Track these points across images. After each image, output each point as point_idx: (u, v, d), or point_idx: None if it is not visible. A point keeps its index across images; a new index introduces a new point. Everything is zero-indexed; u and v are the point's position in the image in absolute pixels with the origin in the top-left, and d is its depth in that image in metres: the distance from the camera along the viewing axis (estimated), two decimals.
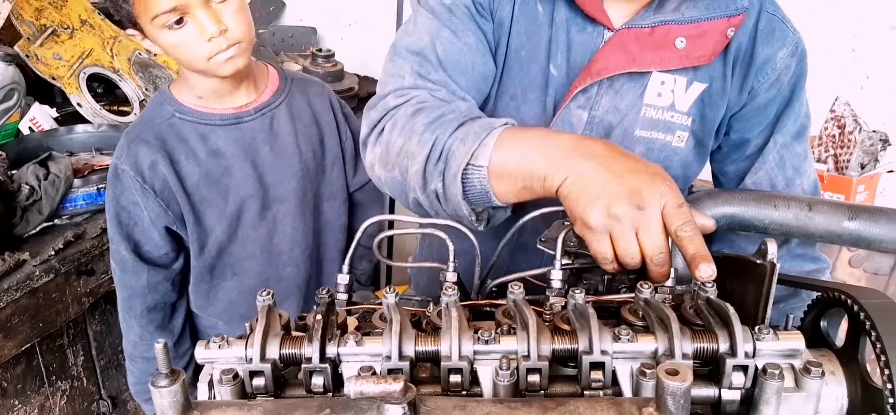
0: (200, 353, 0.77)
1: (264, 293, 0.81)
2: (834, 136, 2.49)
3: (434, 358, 0.76)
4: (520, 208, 1.06)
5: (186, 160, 1.48)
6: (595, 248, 0.87)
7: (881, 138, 2.46)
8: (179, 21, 1.31)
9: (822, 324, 0.86)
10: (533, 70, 1.22)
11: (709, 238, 1.19)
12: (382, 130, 1.09)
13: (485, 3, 1.18)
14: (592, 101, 1.20)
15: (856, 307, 0.76)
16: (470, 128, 0.99)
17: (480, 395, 0.76)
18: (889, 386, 0.70)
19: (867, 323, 0.74)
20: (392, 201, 1.51)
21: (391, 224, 1.12)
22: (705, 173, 1.38)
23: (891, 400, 0.70)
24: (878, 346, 0.72)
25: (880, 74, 2.81)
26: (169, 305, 1.60)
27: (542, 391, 0.74)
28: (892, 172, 2.59)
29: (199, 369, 0.81)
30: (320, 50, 2.74)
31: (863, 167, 2.44)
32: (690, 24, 1.13)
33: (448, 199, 0.99)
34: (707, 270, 0.81)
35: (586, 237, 0.88)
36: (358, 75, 2.80)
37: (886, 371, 0.71)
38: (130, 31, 1.38)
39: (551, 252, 0.96)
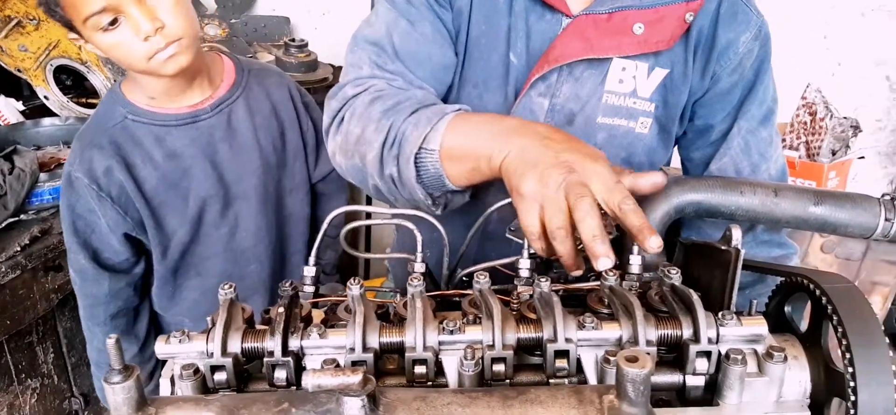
0: (161, 348, 0.76)
1: (227, 286, 0.79)
2: (805, 123, 2.52)
3: (399, 349, 0.76)
4: (483, 195, 1.06)
5: (143, 164, 1.43)
6: (523, 219, 0.86)
7: (852, 124, 2.50)
8: (113, 22, 1.25)
9: (787, 309, 0.86)
10: (493, 59, 1.22)
11: (677, 224, 1.20)
12: (342, 119, 1.10)
13: None
14: (553, 89, 1.20)
15: (818, 292, 0.77)
16: (423, 114, 1.01)
17: (446, 386, 0.75)
18: (850, 370, 0.71)
19: (829, 307, 0.75)
20: (356, 190, 1.50)
21: (368, 216, 1.11)
22: (676, 161, 1.39)
23: (852, 384, 0.71)
24: (840, 330, 0.73)
25: (851, 61, 2.84)
26: (132, 311, 1.56)
27: (508, 380, 0.74)
28: (863, 158, 2.63)
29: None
30: (293, 40, 2.71)
31: (834, 154, 2.47)
32: (648, 9, 1.13)
33: (404, 183, 1.00)
34: (655, 242, 0.79)
35: (518, 208, 0.87)
36: (332, 65, 2.78)
37: (847, 355, 0.71)
38: (71, 35, 1.33)
39: (520, 241, 0.96)
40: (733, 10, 1.17)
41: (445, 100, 1.28)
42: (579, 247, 0.84)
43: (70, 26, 1.30)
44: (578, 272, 0.88)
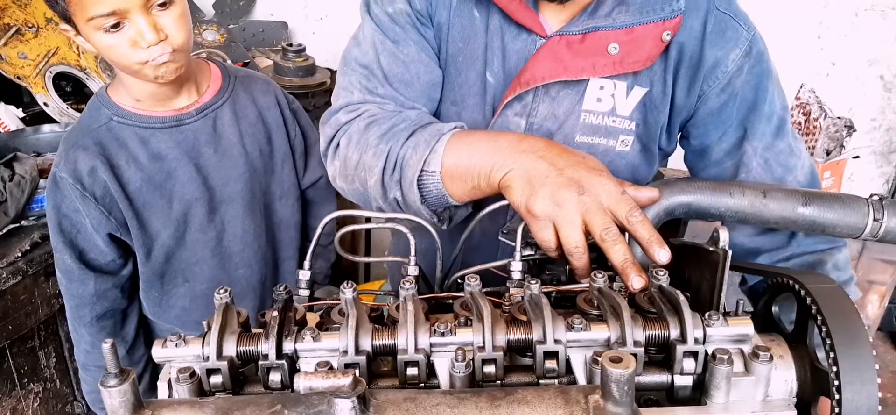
0: (158, 352, 0.77)
1: (222, 291, 0.81)
2: (799, 123, 2.54)
3: (391, 351, 0.77)
4: (478, 204, 1.07)
5: (127, 165, 1.44)
6: (539, 236, 0.89)
7: (846, 124, 2.51)
8: (116, 25, 1.27)
9: (774, 309, 0.88)
10: (471, 76, 1.22)
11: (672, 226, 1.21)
12: (338, 144, 1.13)
13: (423, 9, 1.19)
14: (529, 109, 1.19)
15: (803, 292, 0.78)
16: (421, 136, 1.03)
17: (438, 387, 0.77)
18: (834, 368, 0.72)
19: (813, 308, 0.76)
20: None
21: (367, 220, 1.13)
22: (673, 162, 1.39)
23: (836, 382, 0.72)
24: (824, 329, 0.74)
25: (845, 61, 2.85)
26: (119, 312, 1.57)
27: (499, 382, 0.76)
28: (858, 157, 2.64)
29: (155, 374, 0.81)
30: (291, 45, 2.72)
31: (828, 153, 2.48)
32: (622, 29, 1.11)
33: (408, 205, 1.04)
34: (663, 254, 0.84)
35: (531, 226, 0.90)
36: (330, 70, 2.79)
37: (831, 354, 0.73)
38: (64, 26, 1.34)
39: (512, 244, 0.98)
40: (722, 28, 1.14)
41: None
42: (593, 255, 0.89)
43: (68, 19, 1.31)
44: (587, 279, 0.90)
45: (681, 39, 1.14)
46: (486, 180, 0.95)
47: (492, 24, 1.18)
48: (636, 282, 0.83)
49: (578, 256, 0.87)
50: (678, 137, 1.28)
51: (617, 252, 0.85)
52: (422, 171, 1.01)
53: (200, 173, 1.50)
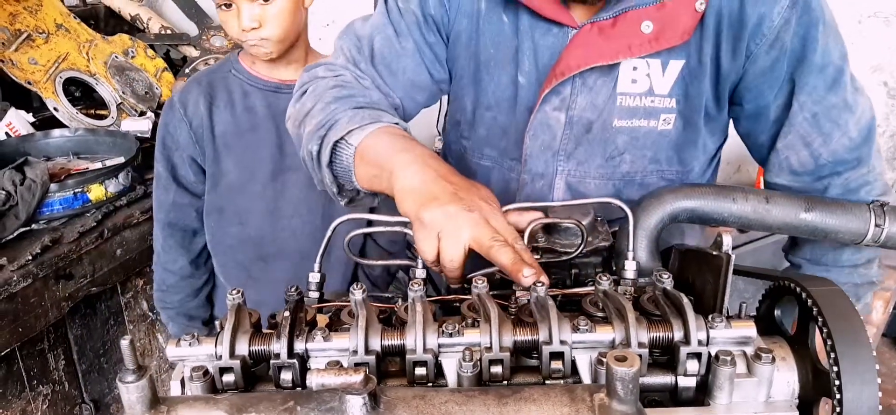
0: (171, 351, 0.79)
1: (234, 292, 0.82)
2: None
3: (400, 352, 0.79)
4: None
5: (224, 108, 1.73)
6: (422, 245, 0.91)
7: None
8: (228, 5, 1.61)
9: (776, 312, 0.89)
10: (503, 80, 1.24)
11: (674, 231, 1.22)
12: (304, 92, 1.20)
13: (438, 17, 1.23)
14: (568, 102, 1.20)
15: (804, 295, 0.80)
16: (363, 113, 1.09)
17: (446, 386, 0.78)
18: (835, 369, 0.74)
19: (814, 310, 0.77)
20: None
21: (369, 223, 1.17)
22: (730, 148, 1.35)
23: (837, 382, 0.73)
24: (825, 330, 0.75)
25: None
26: (190, 230, 1.82)
27: (505, 382, 0.77)
28: None
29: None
30: None
31: None
32: (653, 5, 1.09)
33: (320, 162, 1.09)
34: (530, 276, 0.85)
35: (417, 234, 0.92)
36: None
37: (832, 355, 0.74)
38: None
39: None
40: None
41: (461, 125, 1.34)
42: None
43: None
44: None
45: (717, 4, 1.10)
46: (387, 178, 0.99)
47: (521, 25, 1.19)
48: (527, 273, 0.84)
49: (452, 270, 0.90)
50: (728, 104, 1.23)
51: (504, 255, 0.86)
52: (342, 138, 1.06)
53: (278, 138, 1.73)
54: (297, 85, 1.25)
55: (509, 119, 1.27)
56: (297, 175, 1.74)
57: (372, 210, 1.36)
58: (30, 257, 1.80)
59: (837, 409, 0.73)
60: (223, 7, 1.62)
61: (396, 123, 1.09)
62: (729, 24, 1.12)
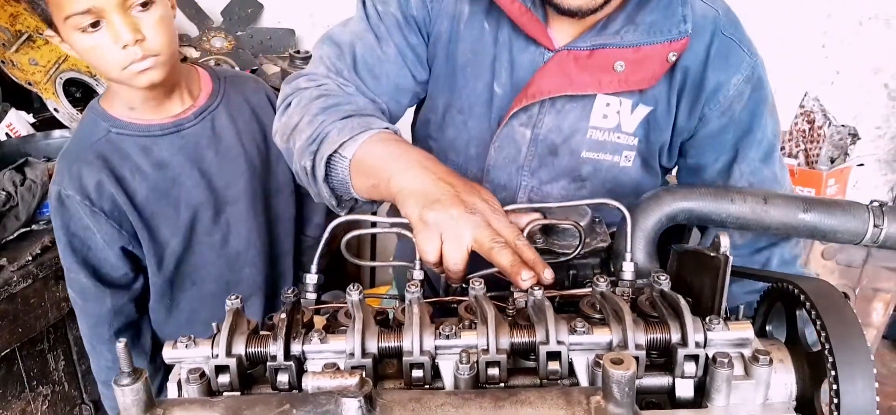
0: (168, 353, 0.79)
1: (233, 297, 0.82)
2: (804, 131, 2.54)
3: (397, 354, 0.79)
4: None
5: (132, 176, 1.43)
6: (424, 246, 0.92)
7: (850, 132, 2.51)
8: (95, 24, 1.25)
9: (768, 328, 0.89)
10: (478, 87, 1.24)
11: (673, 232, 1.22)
12: (288, 105, 1.18)
13: (419, 17, 1.23)
14: (534, 120, 1.22)
15: (797, 291, 0.80)
16: (352, 122, 1.08)
17: (443, 389, 0.78)
18: (830, 359, 0.73)
19: (807, 303, 0.77)
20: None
21: (373, 225, 1.16)
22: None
23: (833, 372, 0.73)
24: (819, 323, 0.75)
25: (850, 69, 2.86)
26: (134, 325, 1.56)
27: (502, 384, 0.77)
28: (862, 165, 2.64)
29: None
30: (298, 52, 2.75)
31: (832, 161, 2.49)
32: (630, 48, 1.13)
33: (315, 178, 1.08)
34: (548, 274, 0.88)
35: (419, 235, 0.92)
36: None
37: (827, 345, 0.73)
38: (48, 31, 1.34)
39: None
40: (725, 52, 1.16)
41: (431, 124, 1.34)
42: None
43: (49, 22, 1.30)
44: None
45: (686, 63, 1.15)
46: (386, 185, 0.98)
47: (501, 36, 1.20)
48: (526, 276, 0.85)
49: (454, 271, 0.90)
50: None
51: (504, 257, 0.87)
52: (335, 152, 1.05)
53: (204, 177, 1.50)
54: (280, 98, 1.22)
55: (478, 125, 1.28)
56: (237, 206, 1.56)
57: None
58: (30, 258, 1.80)
59: (834, 399, 0.72)
60: (87, 30, 1.25)
61: (386, 128, 1.08)
62: (691, 85, 1.17)
